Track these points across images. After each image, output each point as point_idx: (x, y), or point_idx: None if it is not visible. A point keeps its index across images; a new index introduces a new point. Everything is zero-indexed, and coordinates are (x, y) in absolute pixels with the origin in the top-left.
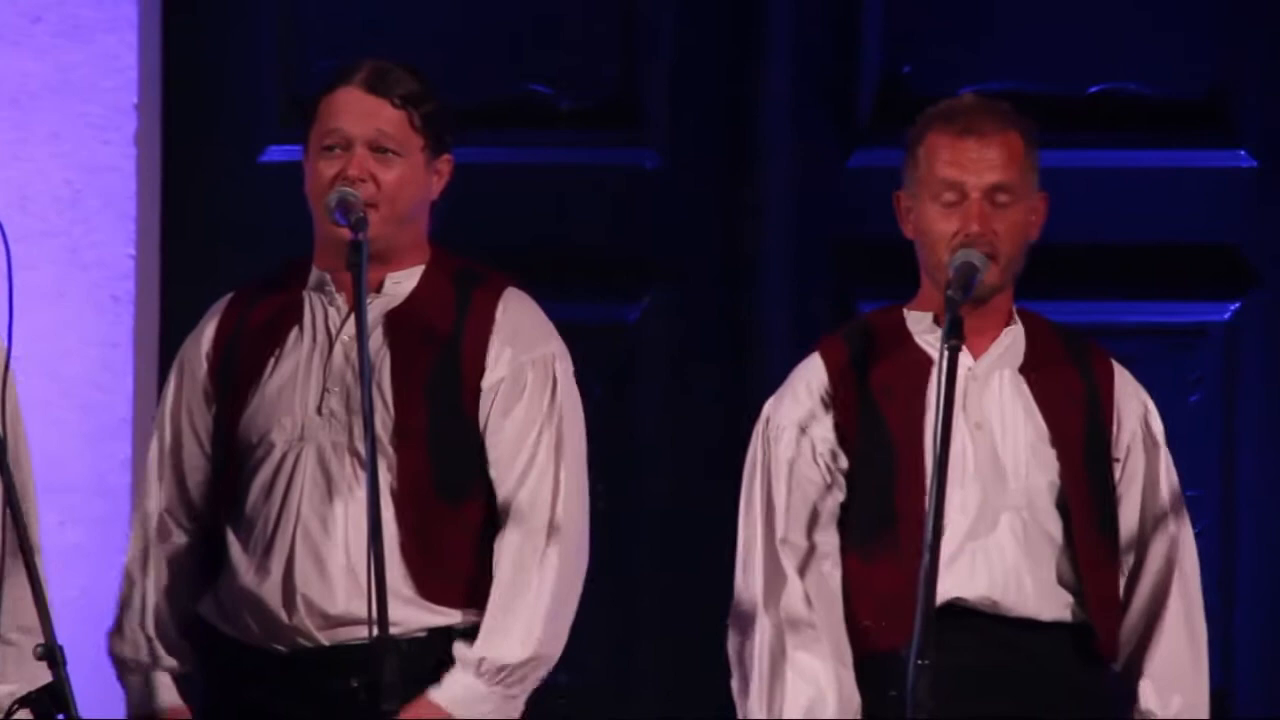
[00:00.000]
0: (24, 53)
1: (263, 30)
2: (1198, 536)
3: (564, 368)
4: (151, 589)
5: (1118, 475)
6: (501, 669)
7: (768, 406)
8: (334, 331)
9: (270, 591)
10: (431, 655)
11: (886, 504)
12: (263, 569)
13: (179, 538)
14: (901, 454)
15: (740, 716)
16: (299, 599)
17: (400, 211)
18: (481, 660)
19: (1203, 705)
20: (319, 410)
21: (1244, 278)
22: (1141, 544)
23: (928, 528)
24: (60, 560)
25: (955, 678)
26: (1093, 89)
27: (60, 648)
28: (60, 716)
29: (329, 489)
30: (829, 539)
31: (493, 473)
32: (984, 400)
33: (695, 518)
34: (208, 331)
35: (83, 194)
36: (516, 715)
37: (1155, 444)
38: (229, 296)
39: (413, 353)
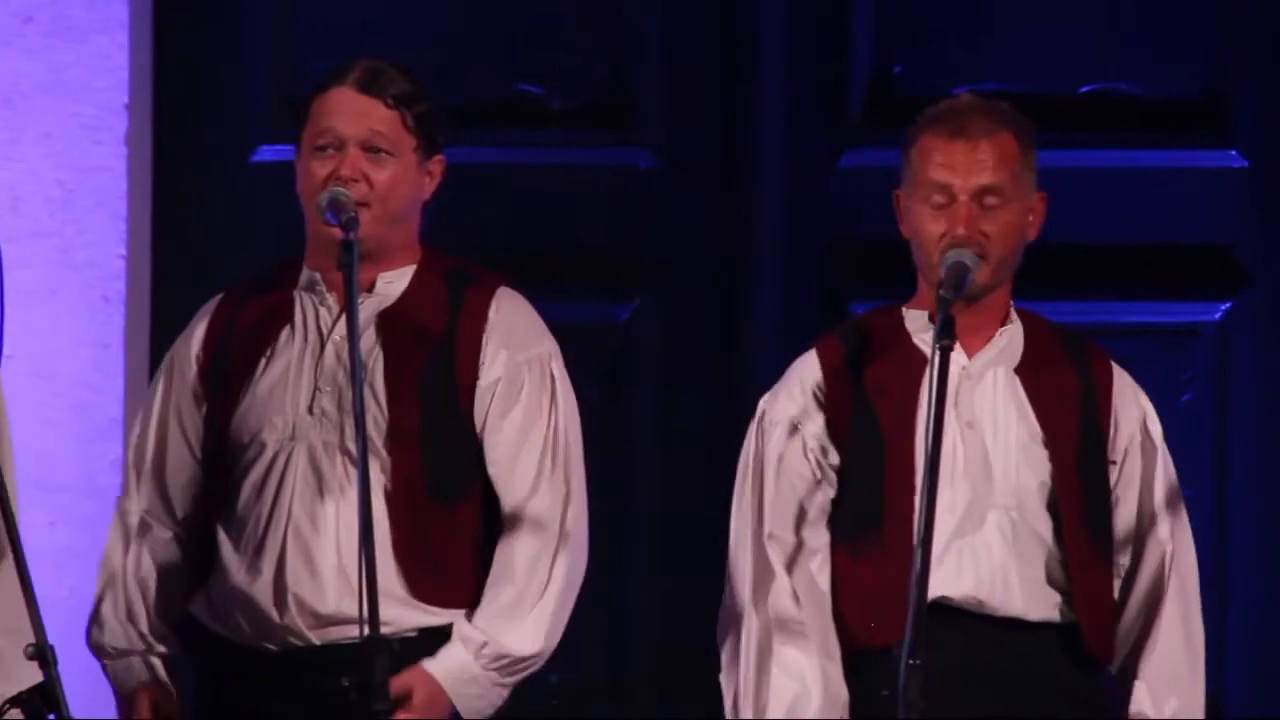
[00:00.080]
0: (15, 53)
1: (254, 30)
2: None
3: (560, 366)
4: (130, 580)
5: (1115, 478)
6: (502, 656)
7: (763, 402)
8: (325, 331)
9: (261, 591)
10: (422, 655)
11: (875, 501)
12: (254, 568)
13: (160, 533)
14: (891, 452)
15: (727, 712)
16: (290, 598)
17: (392, 212)
18: (485, 644)
19: (1197, 707)
20: (310, 410)
21: (1235, 278)
22: (1138, 547)
23: (916, 527)
24: (50, 560)
25: (940, 677)
26: (1085, 89)
27: (51, 647)
28: (51, 716)
29: (320, 489)
30: (818, 535)
31: (492, 472)
32: (976, 399)
33: (687, 517)
34: (198, 332)
35: (74, 194)
36: (498, 705)
37: (1154, 447)
38: (219, 297)
39: (406, 353)
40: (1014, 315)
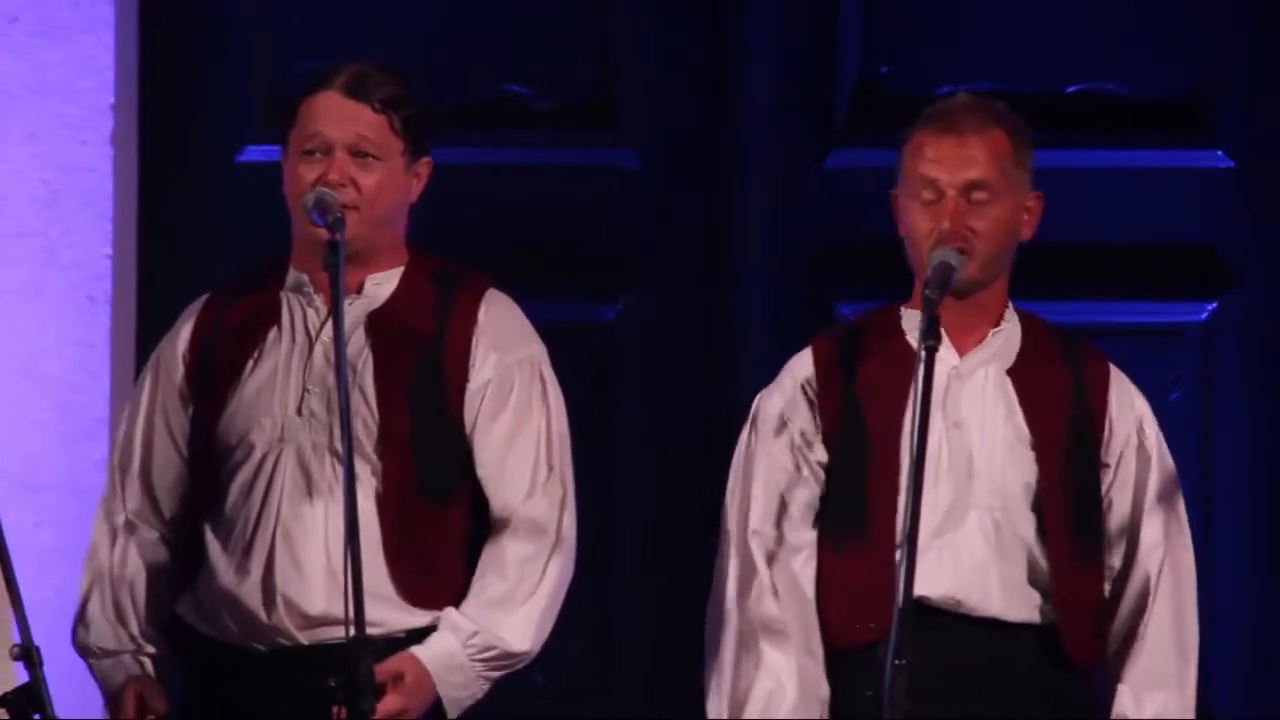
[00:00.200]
0: (1, 53)
1: (240, 31)
2: None
3: (548, 368)
4: (118, 580)
5: (1108, 481)
6: (491, 648)
7: (758, 398)
8: (314, 332)
9: (250, 591)
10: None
11: (860, 500)
12: (242, 569)
13: (147, 534)
14: (877, 450)
15: (707, 709)
16: (279, 599)
17: (380, 214)
18: (475, 633)
19: (1183, 709)
20: (299, 411)
21: (1221, 278)
22: (1130, 549)
23: (899, 526)
24: (35, 560)
25: (919, 676)
26: (1071, 89)
27: (36, 648)
28: (36, 716)
29: (309, 490)
30: (803, 533)
31: (482, 474)
32: (964, 399)
33: (674, 517)
34: (184, 333)
35: (60, 194)
36: (477, 697)
37: (1148, 451)
38: (205, 298)
39: (395, 354)
40: (1011, 315)
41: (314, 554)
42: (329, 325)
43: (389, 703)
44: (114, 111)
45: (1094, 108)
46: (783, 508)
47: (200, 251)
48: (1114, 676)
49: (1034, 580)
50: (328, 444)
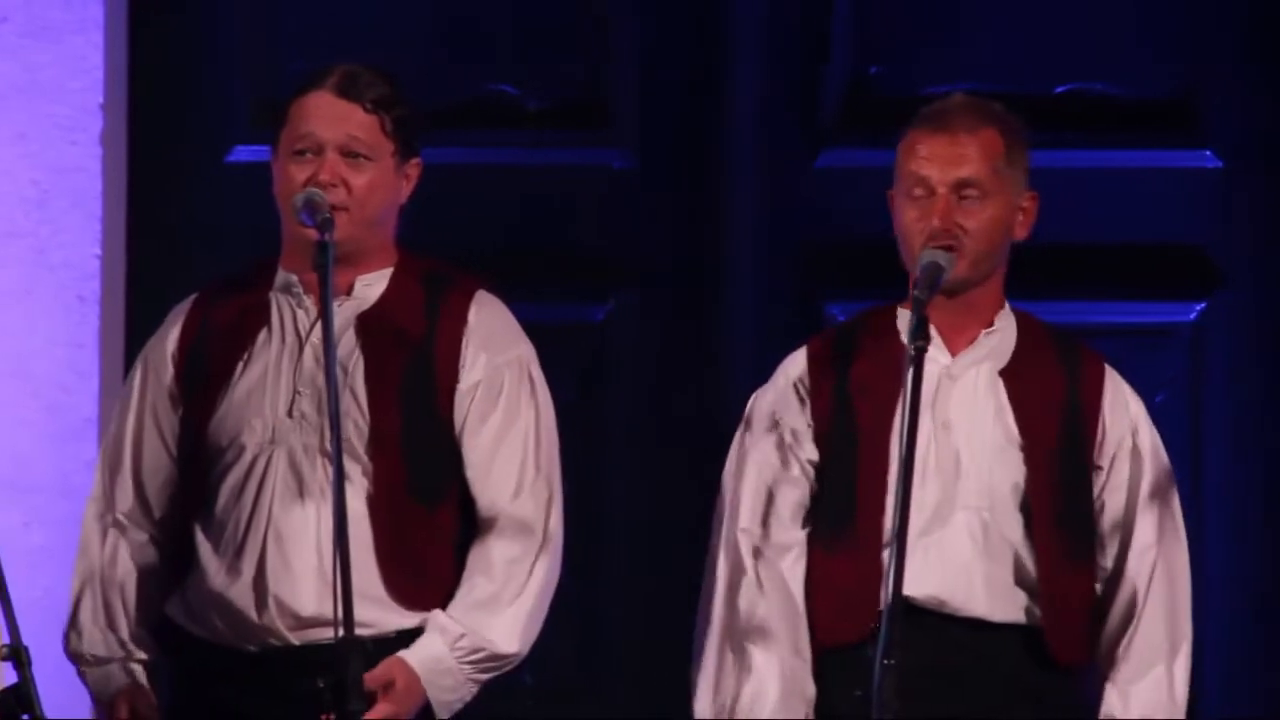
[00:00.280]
0: None
1: (229, 31)
2: None
3: (537, 369)
4: (109, 584)
5: (1100, 483)
6: (479, 650)
7: (753, 397)
8: (304, 333)
9: (241, 592)
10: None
11: (848, 499)
12: (234, 570)
13: (136, 535)
14: (866, 450)
15: (695, 708)
16: (270, 600)
17: (370, 215)
18: (462, 635)
19: (1171, 708)
20: (290, 413)
21: (1210, 278)
22: (1121, 552)
23: (886, 526)
24: (25, 561)
25: (903, 676)
26: (1060, 89)
27: (25, 648)
28: (25, 717)
29: (301, 491)
30: (792, 532)
31: (469, 474)
32: (953, 400)
33: (663, 518)
34: (172, 333)
35: (49, 194)
36: (466, 700)
37: (1142, 453)
38: (193, 298)
39: (386, 356)
40: (1006, 316)
41: (305, 555)
42: (319, 326)
43: (380, 710)
44: (103, 112)
45: (1083, 108)
46: (772, 507)
47: (190, 252)
48: (1103, 677)
49: (1021, 581)
50: (319, 445)
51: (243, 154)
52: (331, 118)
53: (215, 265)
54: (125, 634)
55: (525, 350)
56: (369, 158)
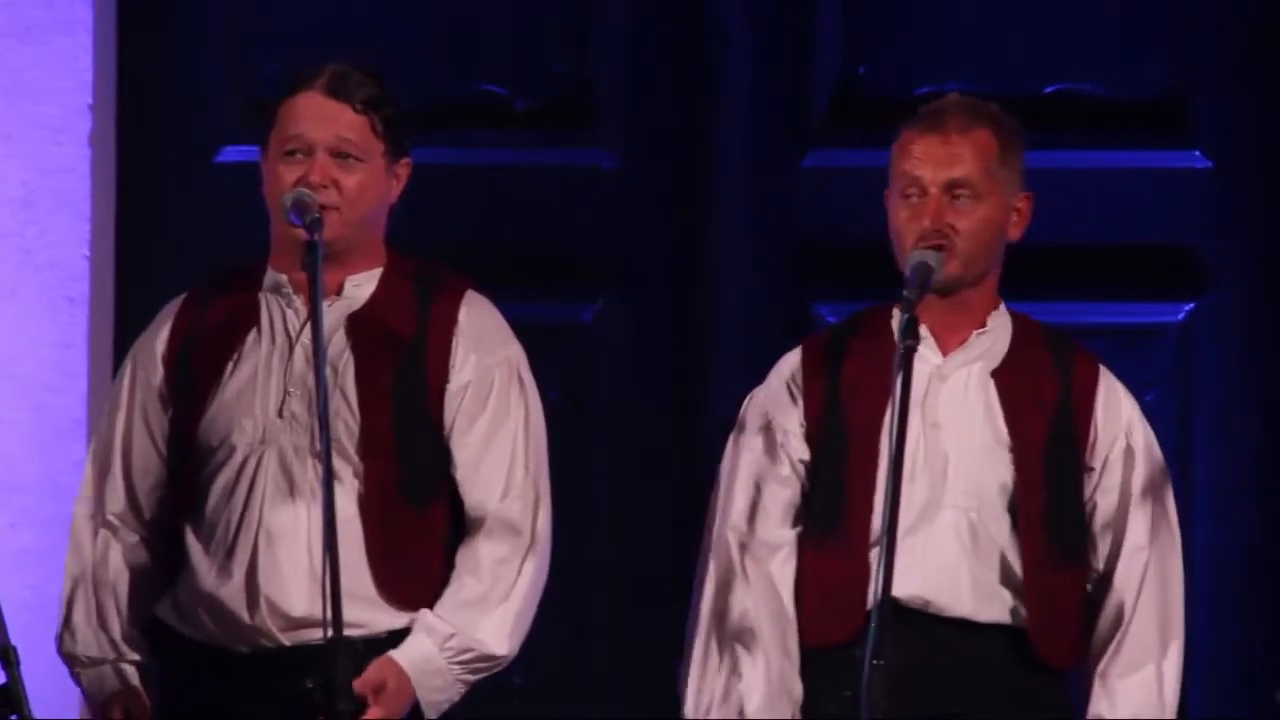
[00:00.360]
0: None
1: (217, 31)
2: None
3: (527, 370)
4: (101, 584)
5: (1092, 484)
6: (468, 650)
7: (748, 397)
8: (294, 334)
9: (232, 593)
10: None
11: (838, 498)
12: (225, 571)
13: (127, 536)
14: (856, 449)
15: (683, 708)
16: (261, 600)
17: (360, 215)
18: (451, 635)
19: (1160, 708)
20: (280, 413)
21: (1198, 278)
22: (1113, 553)
23: (874, 525)
24: (12, 561)
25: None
26: (1049, 89)
27: (13, 648)
28: (14, 717)
29: (291, 492)
30: (783, 531)
31: (458, 475)
32: (943, 400)
33: (650, 519)
34: (162, 333)
35: (37, 195)
36: (454, 700)
37: (1135, 455)
38: (181, 298)
39: (376, 356)
40: (1000, 316)
41: (296, 556)
42: (309, 326)
43: (373, 714)
44: (92, 112)
45: (1072, 108)
46: (762, 506)
47: (178, 252)
48: (1092, 677)
49: (1008, 581)
50: (309, 446)
51: (231, 154)
52: (321, 118)
53: (204, 266)
54: (118, 634)
55: (515, 351)
56: (359, 158)
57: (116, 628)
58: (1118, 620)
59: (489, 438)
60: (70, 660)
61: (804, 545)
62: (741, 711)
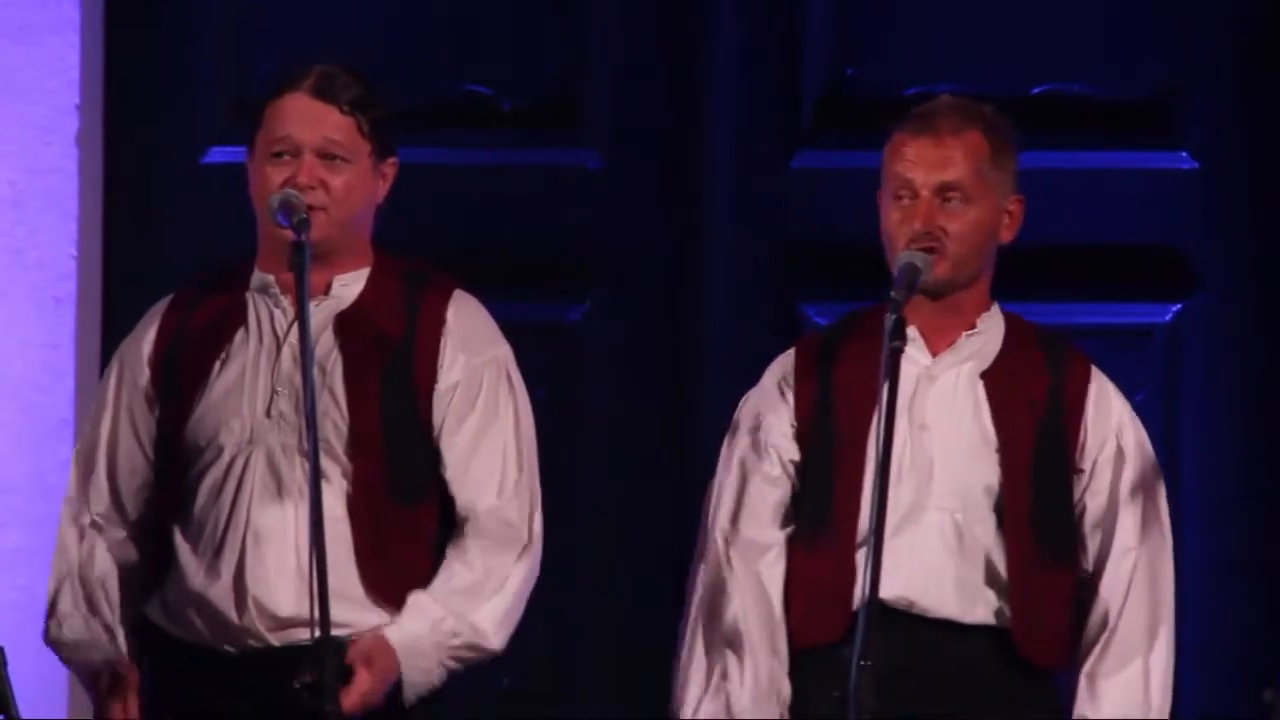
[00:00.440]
0: None
1: (205, 32)
2: None
3: (515, 369)
4: (88, 577)
5: (1082, 485)
6: (458, 634)
7: (744, 398)
8: (281, 334)
9: (220, 593)
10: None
11: (825, 499)
12: (213, 571)
13: (113, 534)
14: (844, 450)
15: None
16: (250, 601)
17: (348, 215)
18: (444, 618)
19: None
20: (268, 413)
21: (1186, 279)
22: (1101, 554)
23: (861, 527)
24: (1, 561)
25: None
26: (1036, 90)
27: (1, 648)
28: (1, 717)
29: (279, 491)
30: (772, 532)
31: (448, 475)
32: (930, 401)
33: (639, 518)
34: (148, 334)
35: (25, 195)
36: (435, 686)
37: (1125, 456)
38: (168, 299)
39: (364, 355)
40: (992, 318)
41: (284, 556)
42: (296, 326)
43: (360, 683)
44: (79, 112)
45: (1059, 109)
46: (752, 507)
47: (166, 252)
48: (1077, 678)
49: (993, 582)
50: (297, 445)
51: (218, 155)
52: (308, 119)
53: (191, 266)
54: (107, 618)
55: (504, 351)
56: (346, 159)
57: (105, 613)
58: (1105, 621)
59: (479, 437)
60: (57, 645)
61: (794, 546)
62: (730, 712)
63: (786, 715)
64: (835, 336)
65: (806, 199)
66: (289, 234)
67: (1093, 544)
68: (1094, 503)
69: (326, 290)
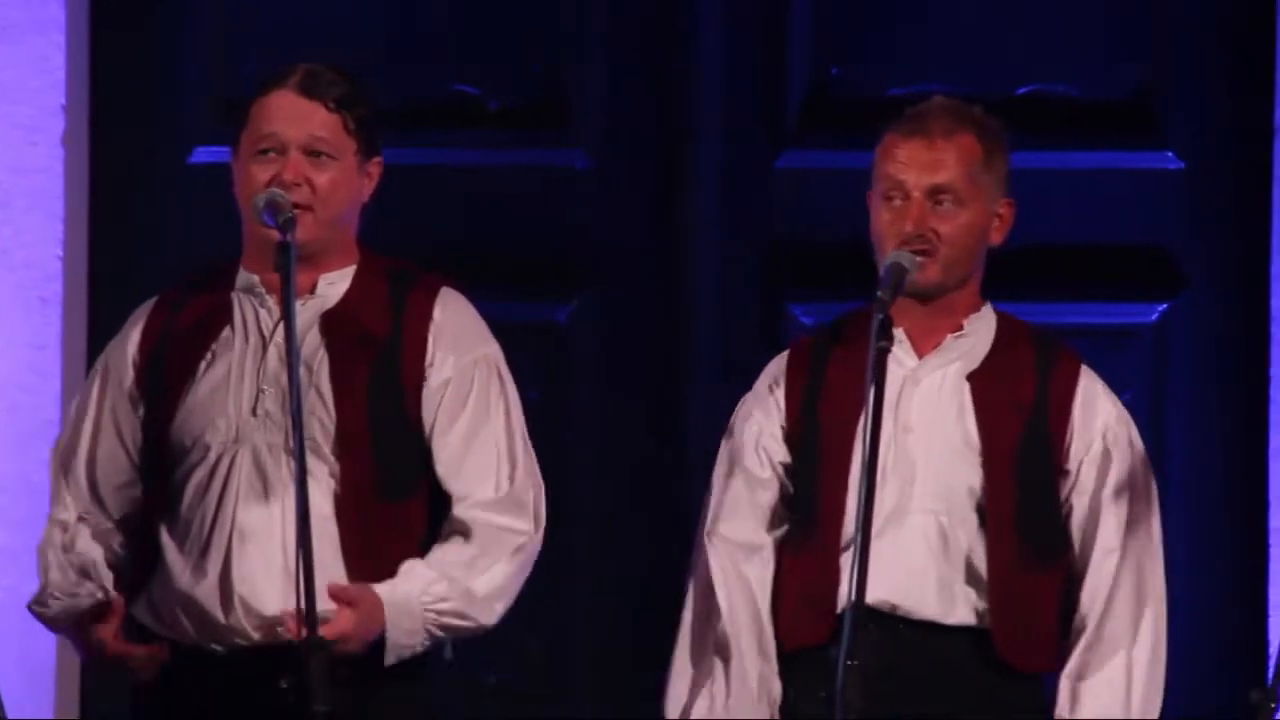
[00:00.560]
0: None
1: (190, 32)
2: None
3: (505, 366)
4: (73, 559)
5: (1068, 486)
6: (446, 600)
7: (740, 400)
8: (267, 333)
9: (207, 592)
10: (364, 657)
11: (811, 502)
12: (199, 570)
13: (99, 523)
14: (829, 453)
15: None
16: (236, 599)
17: (333, 214)
18: (435, 580)
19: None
20: (254, 412)
21: (1172, 279)
22: (1084, 555)
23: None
24: None
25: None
26: (1021, 90)
27: None
28: None
29: (265, 490)
30: (761, 534)
31: (440, 471)
32: (915, 403)
33: (626, 518)
34: (133, 335)
35: (10, 195)
36: (415, 650)
37: (1113, 456)
38: (153, 300)
39: (351, 355)
40: (981, 319)
41: (271, 554)
42: (282, 325)
43: (339, 622)
44: (65, 112)
45: (1044, 109)
46: (740, 509)
47: (151, 253)
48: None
49: (977, 584)
50: (283, 444)
51: (204, 155)
52: (294, 117)
53: (177, 266)
54: (100, 582)
55: (493, 348)
56: (332, 156)
57: (96, 579)
58: (1086, 623)
59: (472, 436)
60: (52, 622)
61: (782, 548)
62: (714, 712)
63: (777, 716)
64: (826, 338)
65: (792, 199)
66: (274, 234)
67: (1078, 544)
68: (1079, 503)
69: (312, 289)
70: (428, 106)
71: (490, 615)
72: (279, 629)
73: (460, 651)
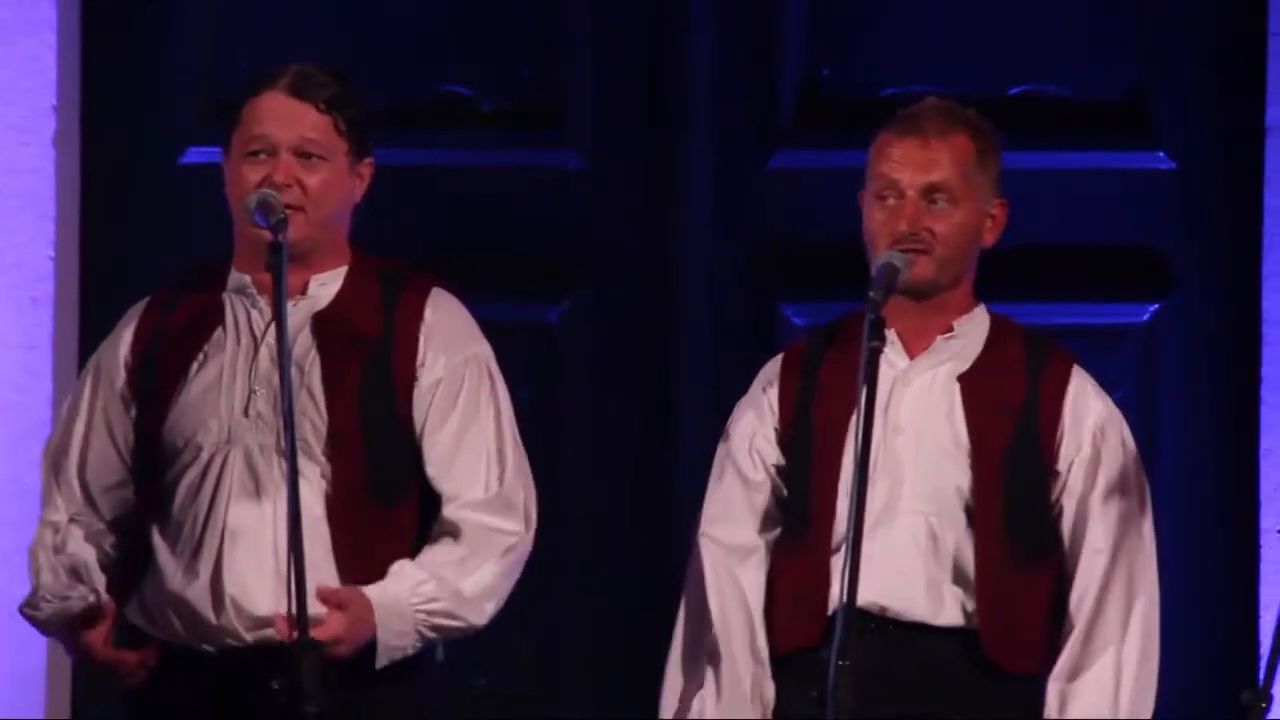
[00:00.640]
0: None
1: (182, 32)
2: None
3: (495, 366)
4: (64, 561)
5: (1058, 487)
6: (436, 600)
7: (739, 401)
8: (259, 334)
9: (198, 593)
10: (354, 658)
11: (803, 503)
12: (191, 571)
13: (91, 524)
14: (820, 454)
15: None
16: (228, 600)
17: (325, 215)
18: (424, 581)
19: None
20: (246, 413)
21: (1163, 279)
22: (1074, 554)
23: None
24: None
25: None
26: (1013, 90)
27: None
28: None
29: (257, 491)
30: (754, 536)
31: (431, 472)
32: (905, 403)
33: (617, 518)
34: (125, 337)
35: (1, 196)
36: (406, 653)
37: (1103, 457)
38: (145, 301)
39: (343, 355)
40: (974, 319)
41: (262, 555)
42: (274, 326)
43: (329, 625)
44: (56, 113)
45: (1036, 109)
46: (734, 511)
47: (143, 253)
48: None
49: (965, 585)
50: (275, 445)
51: (195, 155)
52: (285, 118)
53: (169, 267)
54: (89, 585)
55: (484, 348)
56: (323, 157)
57: (87, 581)
58: (1074, 624)
59: (463, 436)
60: (42, 625)
61: (776, 549)
62: (704, 713)
63: (769, 717)
64: (820, 340)
65: (784, 199)
66: (266, 234)
67: (1068, 545)
68: (1070, 504)
69: (304, 290)
70: (419, 107)
71: (480, 615)
72: (270, 630)
73: (451, 653)
